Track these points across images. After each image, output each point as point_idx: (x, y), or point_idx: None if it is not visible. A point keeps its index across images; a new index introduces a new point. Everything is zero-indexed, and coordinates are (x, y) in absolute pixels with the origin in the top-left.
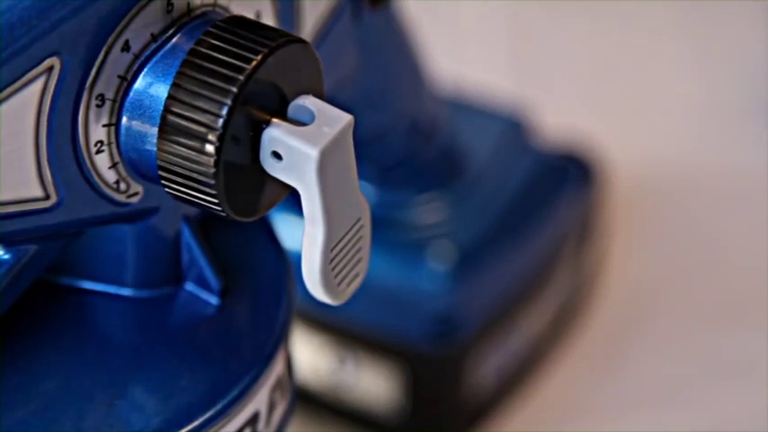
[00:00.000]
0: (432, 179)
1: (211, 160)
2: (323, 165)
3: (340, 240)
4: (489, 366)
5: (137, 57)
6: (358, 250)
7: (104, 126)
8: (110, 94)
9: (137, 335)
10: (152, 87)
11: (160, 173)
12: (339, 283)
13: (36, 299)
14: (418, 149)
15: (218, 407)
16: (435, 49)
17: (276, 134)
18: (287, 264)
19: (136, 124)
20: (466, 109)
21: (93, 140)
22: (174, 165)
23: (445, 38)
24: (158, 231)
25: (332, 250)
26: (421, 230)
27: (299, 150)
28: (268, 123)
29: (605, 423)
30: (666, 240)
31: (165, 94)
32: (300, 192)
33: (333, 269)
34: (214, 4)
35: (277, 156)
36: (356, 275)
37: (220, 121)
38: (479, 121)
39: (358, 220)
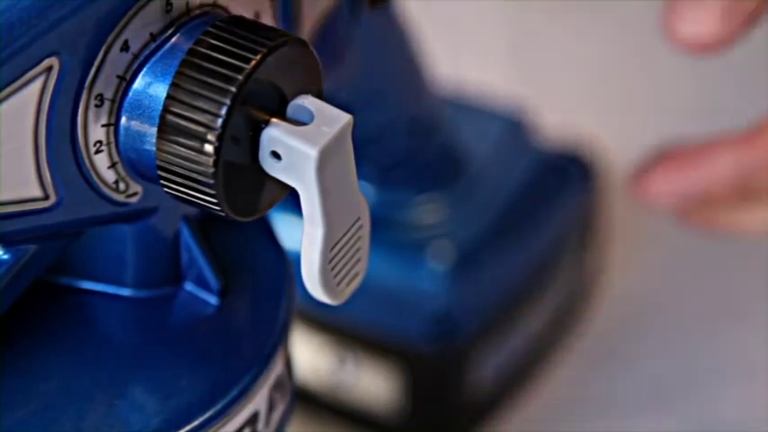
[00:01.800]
0: (432, 179)
1: (210, 160)
2: (322, 164)
3: (339, 240)
4: (489, 366)
5: (136, 57)
6: (357, 250)
7: (103, 126)
8: (109, 94)
9: (136, 335)
10: (151, 87)
11: (159, 173)
12: (338, 283)
13: (36, 299)
14: (418, 149)
15: (218, 407)
16: (435, 49)
17: (275, 134)
18: (287, 264)
19: (135, 124)
20: (466, 109)
21: (92, 140)
22: (174, 165)
23: (445, 38)
24: (158, 231)
25: (331, 250)
26: (421, 230)
27: (298, 150)
28: (267, 123)
29: (605, 423)
30: (666, 241)
31: (164, 94)
32: (300, 191)
33: (332, 269)
34: (213, 4)
35: (276, 156)
36: (355, 275)
37: (219, 120)
38: (479, 120)
39: (357, 220)
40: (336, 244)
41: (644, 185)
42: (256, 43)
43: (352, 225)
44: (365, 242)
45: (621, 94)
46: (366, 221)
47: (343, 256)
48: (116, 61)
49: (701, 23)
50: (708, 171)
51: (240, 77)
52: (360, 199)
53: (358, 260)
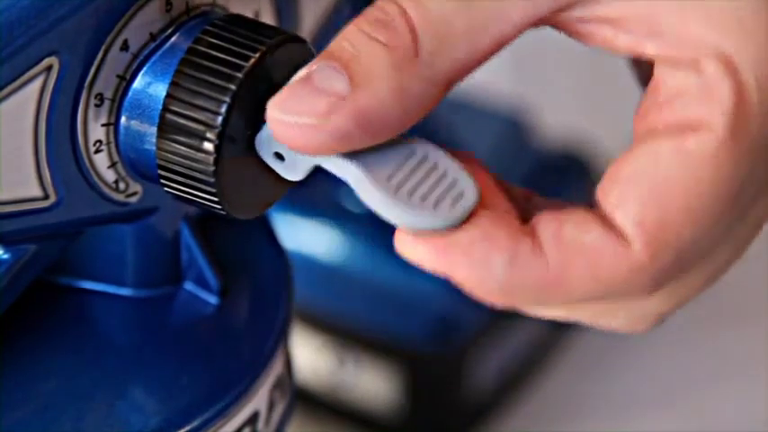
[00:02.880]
0: None
1: (211, 158)
2: None
3: (395, 173)
4: (489, 366)
5: (135, 56)
6: (443, 174)
7: (103, 125)
8: (108, 94)
9: (136, 335)
10: (151, 87)
11: (159, 172)
12: (436, 205)
13: (36, 299)
14: None
15: (218, 406)
16: None
17: (265, 134)
18: (287, 264)
19: (135, 123)
20: (466, 109)
21: (91, 140)
22: (174, 164)
23: None
24: (158, 231)
25: (389, 181)
26: None
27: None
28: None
29: (605, 423)
30: None
31: (164, 93)
32: (324, 167)
33: (412, 195)
34: (213, 4)
35: (279, 157)
36: (460, 195)
37: (219, 118)
38: (479, 121)
39: (411, 155)
40: (393, 176)
41: (401, 246)
42: (256, 41)
43: (405, 159)
44: (445, 162)
45: (621, 94)
46: (429, 147)
47: (420, 182)
48: (116, 61)
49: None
50: (474, 271)
51: (240, 75)
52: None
53: (455, 180)
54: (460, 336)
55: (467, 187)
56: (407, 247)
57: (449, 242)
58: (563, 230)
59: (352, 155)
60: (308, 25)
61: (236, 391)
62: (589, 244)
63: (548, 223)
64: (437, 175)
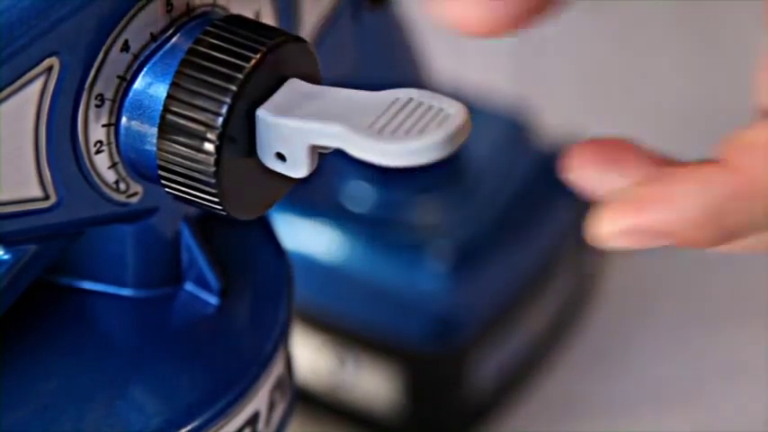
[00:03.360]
0: (432, 179)
1: (211, 159)
2: None
3: (377, 119)
4: (489, 366)
5: (136, 57)
6: (428, 108)
7: (104, 126)
8: (109, 95)
9: (136, 335)
10: (151, 87)
11: (160, 173)
12: (422, 132)
13: (36, 299)
14: None
15: (218, 407)
16: (435, 49)
17: (265, 137)
18: (287, 264)
19: (135, 124)
20: None
21: (92, 140)
22: (174, 164)
23: (445, 38)
24: (158, 231)
25: (371, 127)
26: (421, 230)
27: (264, 120)
28: None
29: (605, 423)
30: None
31: (165, 94)
32: (316, 143)
33: (395, 132)
34: (213, 4)
35: (281, 157)
36: (446, 117)
37: (220, 119)
38: (479, 121)
39: (394, 101)
40: (375, 123)
41: (598, 229)
42: (257, 42)
43: (390, 105)
44: (431, 98)
45: (621, 94)
46: (413, 91)
47: (403, 121)
48: (116, 61)
49: (465, 7)
50: (669, 208)
51: (240, 76)
52: (379, 94)
53: (440, 109)
54: (460, 336)
55: (453, 110)
56: (606, 228)
57: (638, 198)
58: (738, 139)
59: (336, 119)
60: (308, 25)
61: (237, 391)
62: (766, 138)
63: (723, 142)
64: (422, 110)
